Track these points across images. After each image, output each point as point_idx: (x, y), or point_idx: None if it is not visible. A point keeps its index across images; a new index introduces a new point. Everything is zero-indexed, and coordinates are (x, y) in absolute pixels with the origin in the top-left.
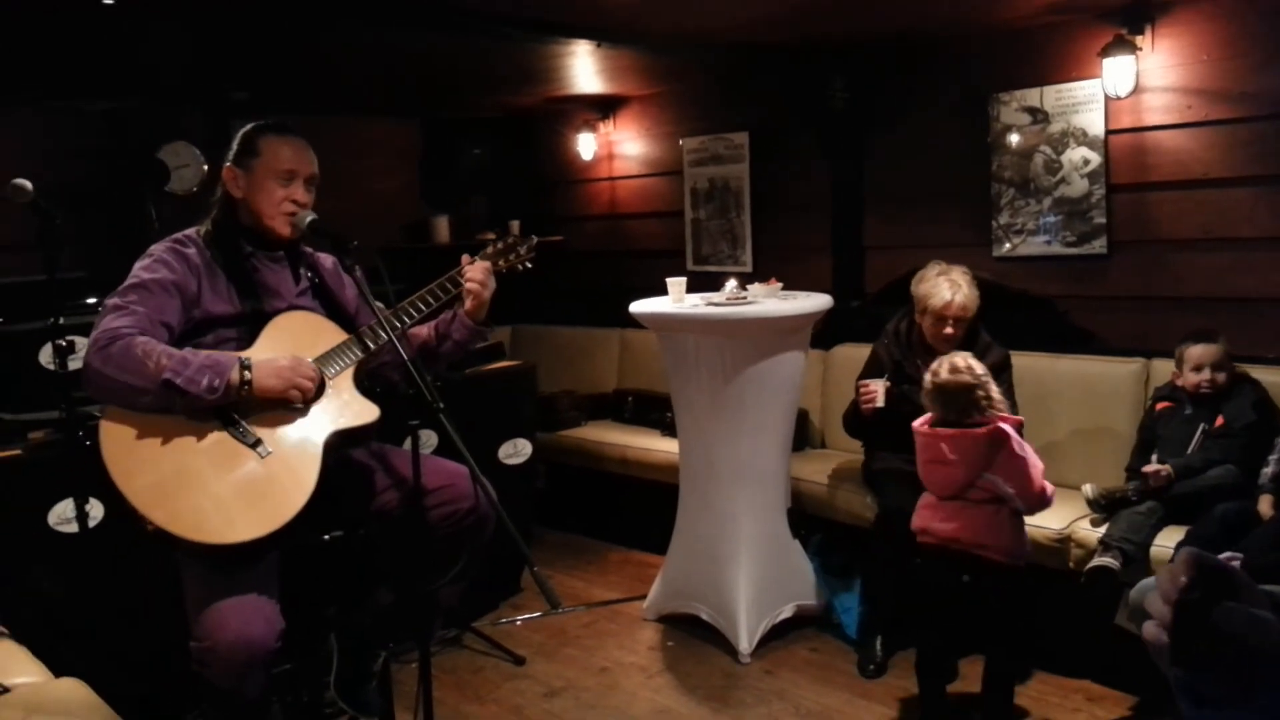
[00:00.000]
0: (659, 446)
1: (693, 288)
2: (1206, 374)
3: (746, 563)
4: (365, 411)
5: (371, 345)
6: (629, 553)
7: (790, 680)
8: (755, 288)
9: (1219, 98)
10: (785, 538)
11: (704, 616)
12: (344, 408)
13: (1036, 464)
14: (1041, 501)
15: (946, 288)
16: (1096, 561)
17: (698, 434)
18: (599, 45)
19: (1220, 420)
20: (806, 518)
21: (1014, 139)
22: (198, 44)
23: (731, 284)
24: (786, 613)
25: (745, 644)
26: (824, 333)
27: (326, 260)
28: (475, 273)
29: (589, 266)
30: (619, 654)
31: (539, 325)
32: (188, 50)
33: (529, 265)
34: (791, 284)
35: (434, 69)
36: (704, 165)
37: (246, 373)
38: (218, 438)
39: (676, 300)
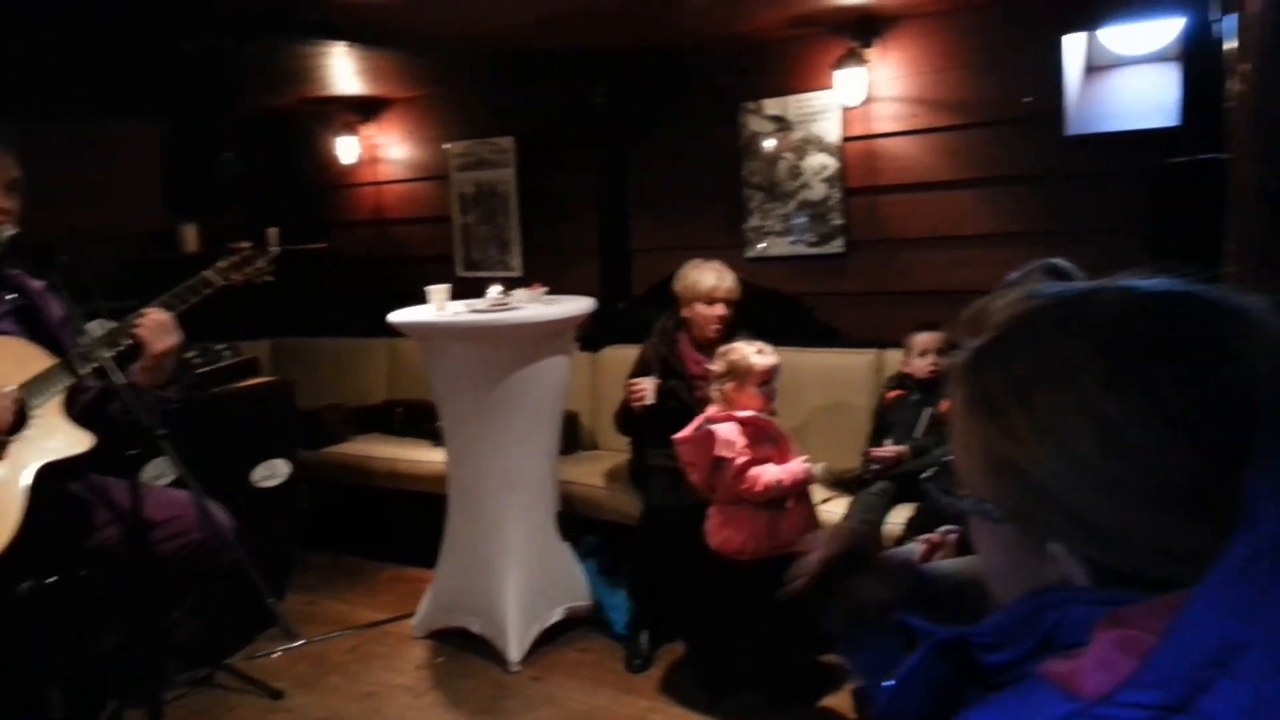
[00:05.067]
0: (429, 457)
1: (464, 294)
2: (931, 358)
3: (515, 570)
4: (75, 441)
5: (81, 370)
6: (401, 570)
7: (558, 683)
8: (519, 293)
9: (938, 106)
10: (554, 542)
11: (474, 629)
12: (52, 439)
13: (745, 456)
14: (738, 493)
15: (711, 274)
16: None
17: (463, 443)
18: (351, 46)
19: (945, 404)
20: (578, 520)
21: (761, 146)
22: None
23: (495, 290)
24: (557, 616)
25: (515, 652)
26: (593, 335)
27: (36, 281)
28: (147, 319)
29: (356, 274)
30: (385, 676)
31: (303, 337)
32: None
33: (269, 279)
34: (561, 287)
35: (177, 68)
36: (471, 170)
37: None
38: None
39: (439, 308)
